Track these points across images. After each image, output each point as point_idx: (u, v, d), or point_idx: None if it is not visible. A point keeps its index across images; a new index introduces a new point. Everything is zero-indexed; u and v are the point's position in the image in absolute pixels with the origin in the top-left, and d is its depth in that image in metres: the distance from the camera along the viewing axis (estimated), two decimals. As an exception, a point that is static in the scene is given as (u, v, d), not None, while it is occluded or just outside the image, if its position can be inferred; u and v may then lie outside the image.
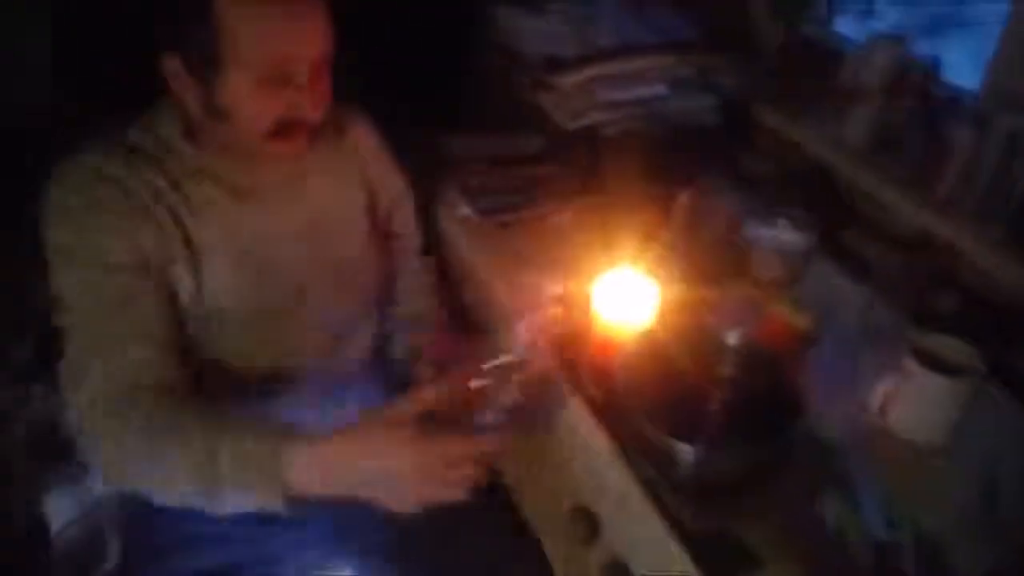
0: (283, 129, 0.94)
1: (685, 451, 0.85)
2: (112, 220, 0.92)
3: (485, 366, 0.81)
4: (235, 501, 0.82)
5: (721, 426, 0.89)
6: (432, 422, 0.80)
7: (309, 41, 0.91)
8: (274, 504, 0.80)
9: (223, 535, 1.08)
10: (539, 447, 1.16)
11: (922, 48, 1.26)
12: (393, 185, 1.19)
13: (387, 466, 0.79)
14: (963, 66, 1.29)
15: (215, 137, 0.97)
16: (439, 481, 0.79)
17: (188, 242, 0.96)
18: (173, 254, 0.95)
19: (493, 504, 1.18)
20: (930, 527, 0.85)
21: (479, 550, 1.10)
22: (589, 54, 1.41)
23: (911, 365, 0.92)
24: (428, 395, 0.81)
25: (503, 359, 0.82)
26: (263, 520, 1.03)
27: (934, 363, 0.92)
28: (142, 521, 1.13)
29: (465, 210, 1.35)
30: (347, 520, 1.09)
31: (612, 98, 1.37)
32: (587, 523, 1.03)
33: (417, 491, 0.79)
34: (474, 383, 0.81)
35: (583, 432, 1.00)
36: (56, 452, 1.33)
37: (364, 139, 1.14)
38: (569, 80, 1.35)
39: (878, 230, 1.28)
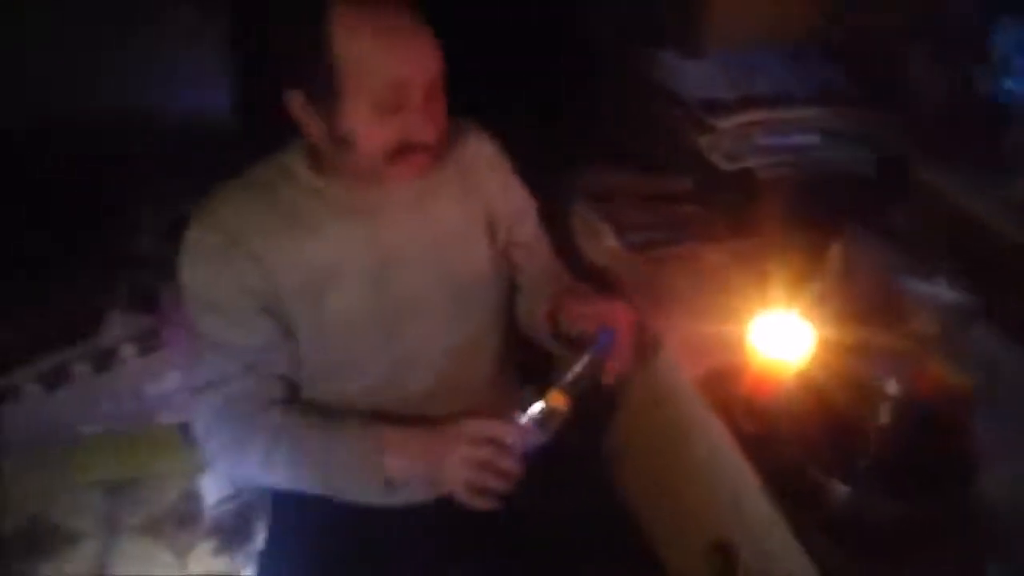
0: (403, 153, 0.99)
1: (840, 490, 0.85)
2: (222, 270, 1.02)
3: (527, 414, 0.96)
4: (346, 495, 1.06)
5: (879, 471, 0.89)
6: None
7: (419, 66, 0.95)
8: (376, 486, 1.02)
9: (361, 522, 1.14)
10: (676, 479, 1.17)
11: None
12: (514, 199, 1.21)
13: (446, 458, 0.98)
14: None
15: (341, 165, 1.03)
16: (487, 471, 0.96)
17: (305, 273, 1.03)
18: (287, 290, 1.03)
19: (617, 530, 1.21)
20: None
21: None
22: (749, 99, 1.44)
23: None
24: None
25: (539, 408, 0.96)
26: (398, 520, 1.14)
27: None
28: (286, 505, 1.21)
29: (613, 243, 1.40)
30: (479, 519, 1.15)
31: (769, 143, 1.40)
32: (724, 558, 1.04)
33: (468, 480, 0.96)
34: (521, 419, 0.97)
35: (730, 466, 1.01)
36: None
37: (484, 156, 1.17)
38: (728, 123, 1.38)
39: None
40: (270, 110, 1.03)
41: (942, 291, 1.18)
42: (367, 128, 0.96)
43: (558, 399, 0.96)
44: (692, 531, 1.12)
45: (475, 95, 1.09)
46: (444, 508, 1.13)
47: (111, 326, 1.96)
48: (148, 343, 1.93)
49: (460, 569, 1.26)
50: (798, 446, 0.93)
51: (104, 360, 1.88)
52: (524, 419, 0.96)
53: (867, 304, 1.18)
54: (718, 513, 1.07)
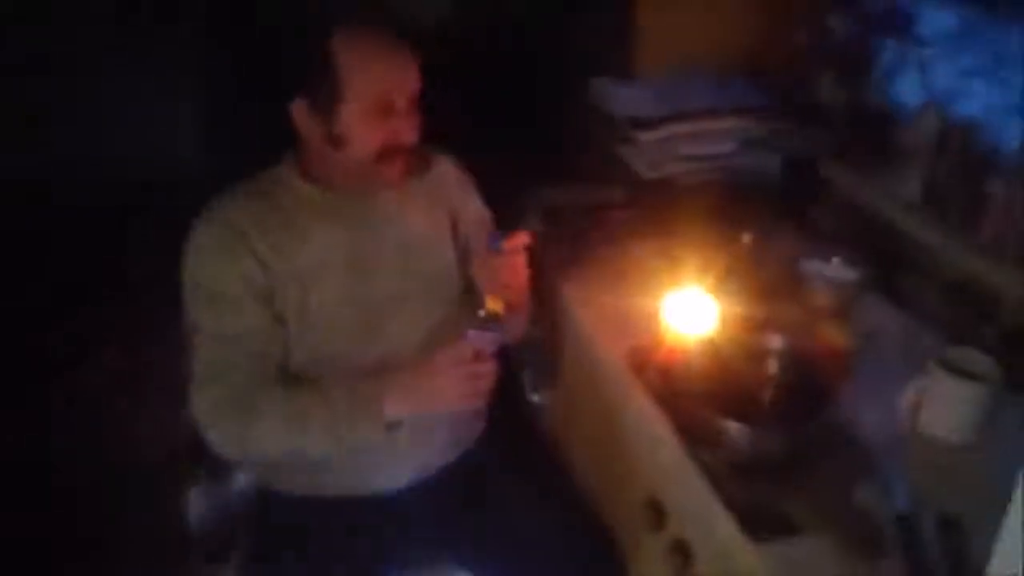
0: (387, 153, 1.17)
1: (737, 429, 1.02)
2: (225, 260, 1.16)
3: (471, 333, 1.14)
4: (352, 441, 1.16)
5: (767, 412, 1.06)
6: None
7: (406, 78, 1.16)
8: (378, 429, 1.15)
9: (335, 526, 1.28)
10: (611, 447, 1.33)
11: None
12: (474, 209, 1.37)
13: (435, 382, 1.14)
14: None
15: (331, 171, 1.20)
16: (469, 379, 1.13)
17: (296, 267, 1.19)
18: (280, 281, 1.18)
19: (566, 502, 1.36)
20: (951, 508, 0.98)
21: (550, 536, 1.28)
22: (671, 115, 1.63)
23: (937, 372, 1.07)
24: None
25: (485, 317, 1.14)
26: (371, 514, 1.28)
27: (958, 371, 1.07)
28: (266, 514, 1.34)
29: (551, 245, 1.56)
30: (453, 517, 1.31)
31: (687, 152, 1.58)
32: (655, 511, 1.19)
33: (460, 390, 1.14)
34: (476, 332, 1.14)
35: (650, 426, 1.17)
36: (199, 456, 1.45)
37: (449, 172, 1.36)
38: (650, 136, 1.57)
39: (927, 272, 1.42)
40: (241, 153, 1.19)
41: (838, 270, 1.37)
42: (360, 129, 1.15)
43: (493, 302, 1.14)
44: (628, 490, 1.28)
45: (445, 125, 1.26)
46: (415, 503, 1.30)
47: (96, 365, 2.06)
48: (131, 381, 2.03)
49: (431, 559, 1.39)
50: (704, 400, 1.09)
51: (90, 399, 1.98)
52: (478, 331, 1.13)
53: (772, 283, 1.36)
54: (647, 470, 1.23)
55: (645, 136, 1.58)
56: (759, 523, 0.98)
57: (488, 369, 1.14)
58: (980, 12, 1.67)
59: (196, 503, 1.67)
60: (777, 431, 1.03)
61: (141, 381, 1.97)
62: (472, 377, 1.13)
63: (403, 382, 1.16)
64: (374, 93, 1.14)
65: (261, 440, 1.16)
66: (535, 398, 1.67)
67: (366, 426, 1.15)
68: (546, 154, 2.14)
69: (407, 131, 1.18)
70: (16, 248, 2.00)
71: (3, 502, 1.67)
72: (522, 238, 1.16)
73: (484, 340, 1.13)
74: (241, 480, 1.58)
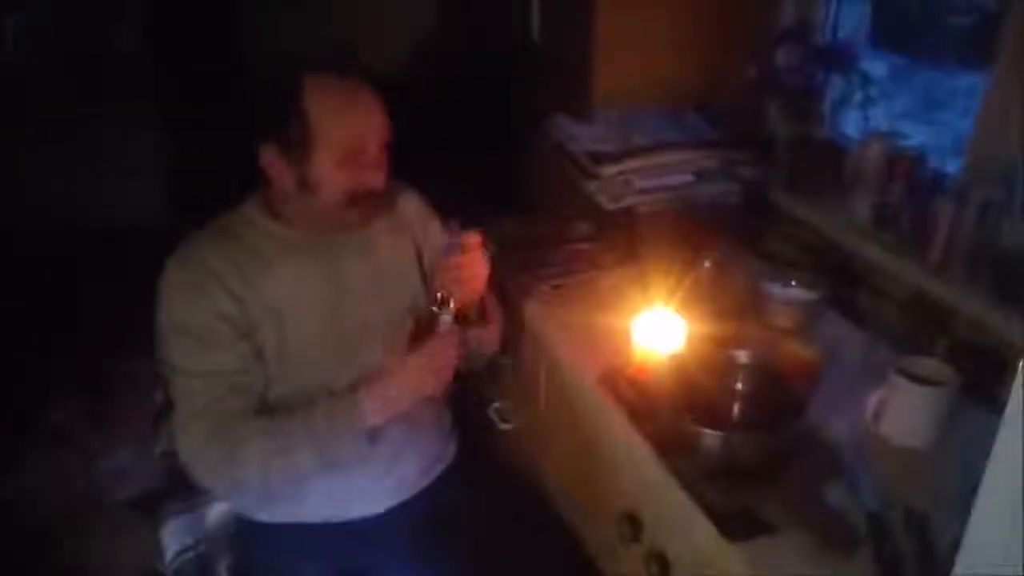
0: (355, 197, 1.20)
1: (711, 436, 1.05)
2: (201, 298, 1.18)
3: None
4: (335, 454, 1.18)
5: (738, 421, 1.09)
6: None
7: (374, 127, 1.19)
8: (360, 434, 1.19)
9: (318, 549, 1.29)
10: (586, 465, 1.35)
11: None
12: (436, 237, 1.40)
13: (408, 375, 1.21)
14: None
15: (299, 212, 1.23)
16: (437, 367, 1.22)
17: (269, 304, 1.21)
18: (256, 318, 1.20)
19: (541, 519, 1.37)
20: (916, 506, 1.02)
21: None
22: (628, 150, 1.69)
23: (897, 379, 1.12)
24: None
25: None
26: (349, 540, 1.29)
27: (917, 378, 1.11)
28: (246, 543, 1.35)
29: (525, 278, 1.60)
30: (428, 541, 1.32)
31: (646, 185, 1.64)
32: (631, 524, 1.21)
33: (430, 379, 1.22)
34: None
35: (626, 441, 1.20)
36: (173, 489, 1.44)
37: (412, 206, 1.40)
38: (610, 170, 1.63)
39: (882, 290, 1.49)
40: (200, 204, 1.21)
41: (796, 291, 1.42)
42: (330, 175, 1.17)
43: (457, 302, 1.22)
44: (604, 504, 1.30)
45: (418, 160, 1.31)
46: (392, 528, 1.31)
47: (61, 406, 2.03)
48: (98, 419, 2.01)
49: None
50: (678, 412, 1.12)
51: (57, 438, 1.95)
52: (442, 324, 1.22)
53: (735, 304, 1.41)
54: (622, 483, 1.25)
55: (606, 170, 1.63)
56: (735, 525, 1.01)
57: (455, 356, 1.22)
58: (908, 60, 1.80)
59: (170, 536, 1.65)
60: (750, 436, 1.06)
61: (105, 420, 1.96)
62: (449, 364, 1.21)
63: (379, 390, 1.20)
64: (346, 140, 1.16)
65: (248, 468, 1.17)
66: (504, 427, 1.69)
67: (348, 434, 1.18)
68: (514, 187, 2.22)
69: (376, 176, 1.21)
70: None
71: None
72: (476, 235, 1.20)
73: (447, 329, 1.21)
74: (217, 511, 1.55)
